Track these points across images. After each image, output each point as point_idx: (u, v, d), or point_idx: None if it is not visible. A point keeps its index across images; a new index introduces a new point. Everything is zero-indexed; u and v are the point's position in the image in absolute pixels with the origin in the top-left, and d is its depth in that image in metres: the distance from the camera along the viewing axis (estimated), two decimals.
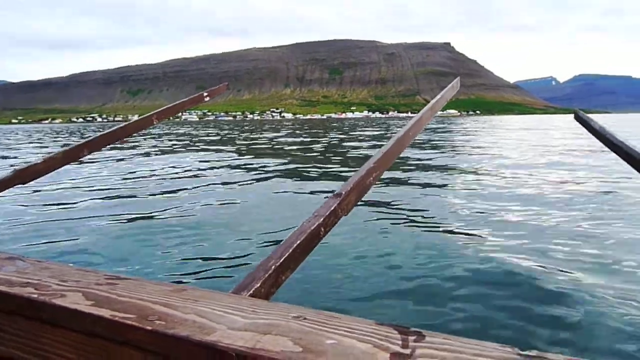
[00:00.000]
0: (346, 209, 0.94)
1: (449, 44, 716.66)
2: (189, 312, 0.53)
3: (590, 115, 1.32)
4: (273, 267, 0.74)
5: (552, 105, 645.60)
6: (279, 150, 17.10)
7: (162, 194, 7.26)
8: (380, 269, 3.43)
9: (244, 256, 3.87)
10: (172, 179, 9.23)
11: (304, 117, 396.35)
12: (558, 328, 2.54)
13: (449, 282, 3.12)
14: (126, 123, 1.60)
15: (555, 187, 7.25)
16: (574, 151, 13.67)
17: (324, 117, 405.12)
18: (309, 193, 7.18)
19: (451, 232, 4.65)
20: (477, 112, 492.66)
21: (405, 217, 5.34)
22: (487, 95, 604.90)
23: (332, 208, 0.90)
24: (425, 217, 5.34)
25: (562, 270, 3.37)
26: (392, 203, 6.04)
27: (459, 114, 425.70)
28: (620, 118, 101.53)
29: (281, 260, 0.75)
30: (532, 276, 3.26)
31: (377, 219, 5.12)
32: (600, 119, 1.20)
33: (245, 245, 4.22)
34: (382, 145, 1.16)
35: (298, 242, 0.80)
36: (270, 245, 4.12)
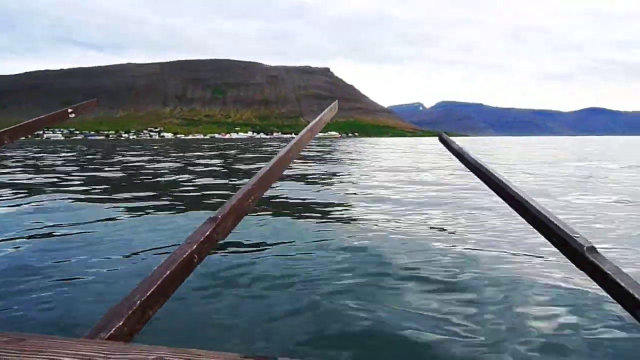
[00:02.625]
0: (223, 234, 0.88)
1: (328, 69, 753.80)
2: None
3: (452, 138, 1.54)
4: (138, 302, 0.65)
5: (419, 129, 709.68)
6: None
7: None
8: (255, 295, 3.20)
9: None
10: None
11: (186, 137, 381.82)
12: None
13: (318, 313, 2.90)
14: None
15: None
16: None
17: (207, 137, 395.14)
18: None
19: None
20: (356, 134, 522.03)
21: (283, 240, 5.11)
22: (364, 119, 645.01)
23: (207, 233, 0.83)
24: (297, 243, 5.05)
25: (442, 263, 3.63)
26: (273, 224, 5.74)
27: (339, 135, 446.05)
28: (476, 140, 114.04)
29: (148, 294, 0.67)
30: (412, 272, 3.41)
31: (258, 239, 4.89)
32: (460, 141, 1.32)
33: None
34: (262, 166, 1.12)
35: (168, 272, 0.72)
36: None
